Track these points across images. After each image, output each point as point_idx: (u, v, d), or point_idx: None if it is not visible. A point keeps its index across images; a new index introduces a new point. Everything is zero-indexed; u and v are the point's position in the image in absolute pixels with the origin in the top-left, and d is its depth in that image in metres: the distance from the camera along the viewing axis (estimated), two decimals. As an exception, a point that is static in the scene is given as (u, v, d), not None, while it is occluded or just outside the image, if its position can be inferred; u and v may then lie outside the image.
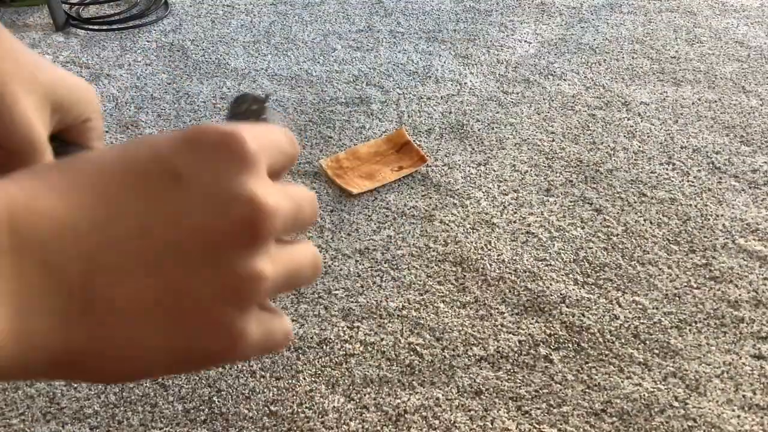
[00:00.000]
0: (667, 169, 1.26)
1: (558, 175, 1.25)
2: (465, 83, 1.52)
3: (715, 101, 1.45)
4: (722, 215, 1.15)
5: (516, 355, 0.93)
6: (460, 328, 0.97)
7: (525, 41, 1.70)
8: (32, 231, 0.19)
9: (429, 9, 1.87)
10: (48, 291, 0.19)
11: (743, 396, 0.87)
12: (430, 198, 1.20)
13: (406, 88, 1.51)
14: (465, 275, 1.05)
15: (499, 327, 0.97)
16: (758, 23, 1.75)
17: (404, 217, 1.16)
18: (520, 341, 0.95)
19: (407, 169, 1.26)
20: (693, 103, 1.44)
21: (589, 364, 0.91)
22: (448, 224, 1.14)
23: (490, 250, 1.09)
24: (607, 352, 0.93)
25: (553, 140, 1.34)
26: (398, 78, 1.55)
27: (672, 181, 1.23)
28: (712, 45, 1.66)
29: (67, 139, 0.34)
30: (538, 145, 1.33)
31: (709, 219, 1.14)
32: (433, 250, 1.09)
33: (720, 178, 1.24)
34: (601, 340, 0.95)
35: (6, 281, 0.19)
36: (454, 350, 0.94)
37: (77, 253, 0.20)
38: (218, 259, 0.21)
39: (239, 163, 0.21)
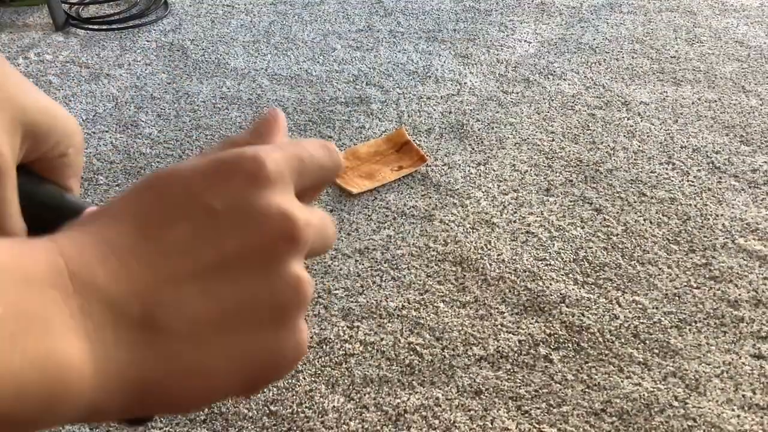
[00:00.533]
0: (666, 169, 1.26)
1: (558, 174, 1.25)
2: (465, 83, 1.52)
3: (715, 101, 1.45)
4: (722, 215, 1.15)
5: (516, 354, 0.93)
6: (460, 328, 0.96)
7: (525, 41, 1.69)
8: (90, 277, 0.21)
9: (429, 9, 1.87)
10: (114, 326, 0.20)
11: (743, 396, 0.87)
12: (430, 198, 1.20)
13: (406, 87, 1.51)
14: (465, 275, 1.05)
15: (499, 327, 0.97)
16: (758, 23, 1.75)
17: (404, 217, 1.16)
18: (520, 341, 0.95)
19: (407, 169, 1.26)
20: (693, 103, 1.44)
21: (589, 364, 0.91)
22: (448, 224, 1.14)
23: (490, 249, 1.09)
24: (606, 352, 0.93)
25: (553, 140, 1.34)
26: (398, 78, 1.55)
27: (672, 180, 1.23)
28: (712, 45, 1.66)
29: (38, 172, 0.31)
30: (538, 145, 1.33)
31: (708, 219, 1.14)
32: (433, 250, 1.09)
33: (720, 177, 1.24)
34: (600, 339, 0.94)
35: (78, 321, 0.20)
36: (454, 350, 0.94)
37: (134, 292, 0.21)
38: (265, 271, 0.22)
39: (262, 184, 0.23)
